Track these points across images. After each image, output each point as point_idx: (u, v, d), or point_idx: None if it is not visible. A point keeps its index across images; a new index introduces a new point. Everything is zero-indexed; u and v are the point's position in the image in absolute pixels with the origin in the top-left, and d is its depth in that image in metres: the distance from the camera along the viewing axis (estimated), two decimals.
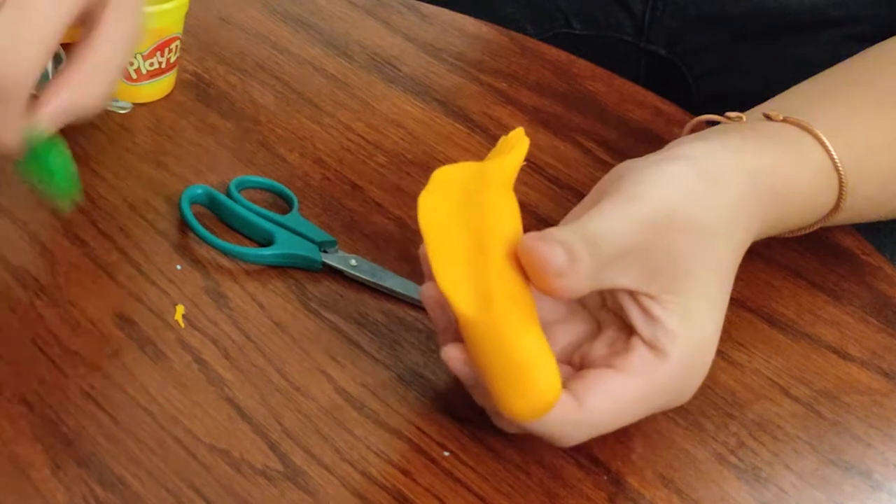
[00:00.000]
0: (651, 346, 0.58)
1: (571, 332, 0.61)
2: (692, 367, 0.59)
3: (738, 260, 0.62)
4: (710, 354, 0.60)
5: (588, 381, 0.58)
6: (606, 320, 0.61)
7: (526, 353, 0.56)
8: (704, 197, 0.60)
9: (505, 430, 0.61)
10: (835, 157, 0.66)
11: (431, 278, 0.58)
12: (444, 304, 0.58)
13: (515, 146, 0.62)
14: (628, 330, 0.59)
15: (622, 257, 0.57)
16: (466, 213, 0.59)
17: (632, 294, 0.58)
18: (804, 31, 0.91)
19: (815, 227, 0.69)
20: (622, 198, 0.59)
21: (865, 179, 0.68)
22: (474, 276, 0.57)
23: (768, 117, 0.68)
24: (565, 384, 0.57)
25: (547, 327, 0.62)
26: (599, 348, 0.60)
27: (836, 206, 0.68)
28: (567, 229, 0.57)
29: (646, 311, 0.58)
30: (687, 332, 0.58)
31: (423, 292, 0.60)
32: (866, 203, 0.70)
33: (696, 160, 0.61)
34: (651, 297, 0.58)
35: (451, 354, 0.58)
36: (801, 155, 0.66)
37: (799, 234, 0.70)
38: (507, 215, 0.59)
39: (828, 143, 0.66)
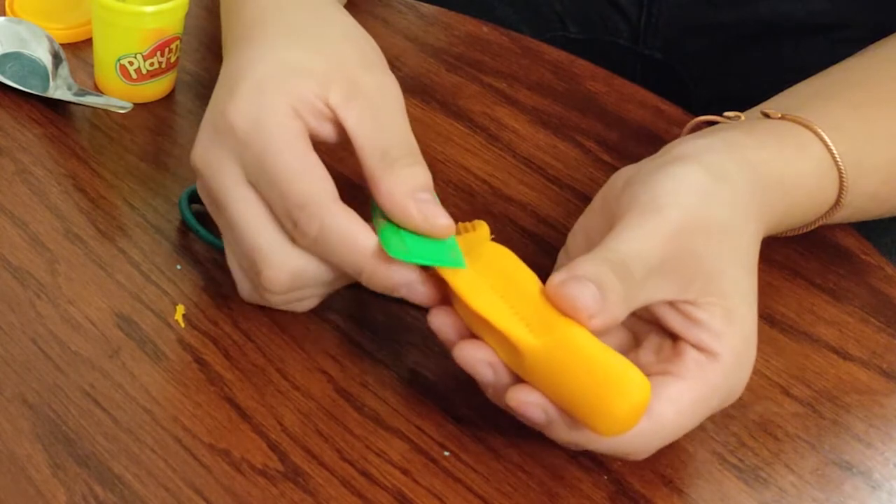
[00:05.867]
0: (699, 348, 0.58)
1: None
2: (741, 363, 0.59)
3: (758, 251, 0.62)
4: (754, 348, 0.60)
5: (651, 391, 0.57)
6: (642, 330, 0.61)
7: (610, 355, 0.55)
8: (718, 195, 0.60)
9: (571, 449, 0.60)
10: (834, 151, 0.66)
11: (460, 338, 0.58)
12: (486, 359, 0.57)
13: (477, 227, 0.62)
14: (670, 336, 0.59)
15: (656, 272, 0.57)
16: (477, 265, 0.59)
17: (671, 304, 0.58)
18: (799, 36, 0.92)
19: (817, 225, 0.69)
20: (641, 212, 0.59)
21: (867, 176, 0.68)
22: (520, 311, 0.57)
23: (766, 115, 0.68)
24: None
25: None
26: (646, 356, 0.60)
27: (837, 202, 0.68)
28: (594, 259, 0.57)
29: (688, 317, 0.58)
30: (732, 330, 0.58)
31: (460, 355, 0.58)
32: (869, 200, 0.70)
33: (701, 159, 0.61)
34: (691, 303, 0.58)
35: (525, 399, 0.56)
36: (800, 149, 0.66)
37: (800, 231, 0.70)
38: (515, 257, 0.59)
39: (826, 138, 0.66)
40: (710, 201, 0.60)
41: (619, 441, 0.57)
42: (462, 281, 0.58)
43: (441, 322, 0.59)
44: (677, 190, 0.60)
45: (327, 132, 0.63)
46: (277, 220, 0.61)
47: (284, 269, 0.61)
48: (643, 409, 0.55)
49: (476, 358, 0.58)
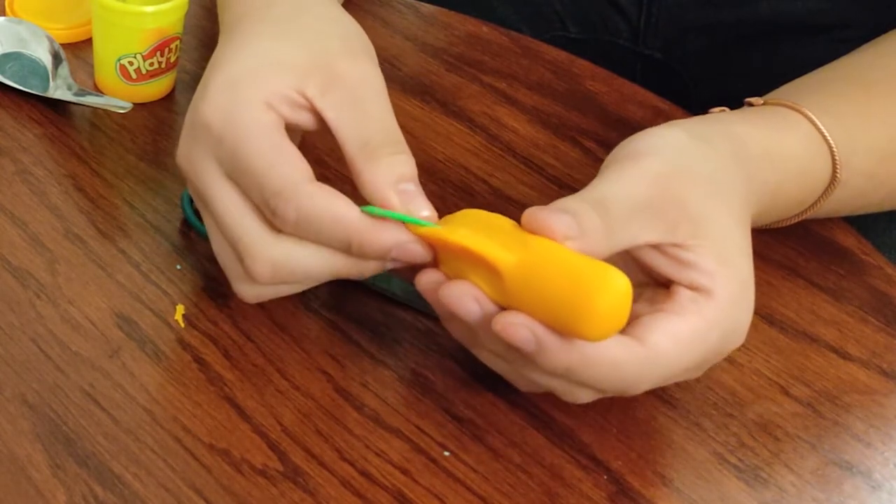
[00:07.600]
0: (693, 288, 0.58)
1: None
2: (737, 303, 0.59)
3: (750, 215, 0.62)
4: (751, 294, 0.60)
5: (644, 323, 0.57)
6: (637, 294, 0.61)
7: (586, 258, 0.55)
8: (698, 153, 0.61)
9: (582, 400, 0.60)
10: (820, 126, 0.67)
11: (443, 282, 0.58)
12: (471, 293, 0.57)
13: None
14: (664, 286, 0.59)
15: (638, 213, 0.58)
16: (466, 222, 0.59)
17: (658, 248, 0.59)
18: (798, 36, 0.92)
19: (817, 208, 0.69)
20: (622, 163, 0.60)
21: (862, 155, 0.69)
22: (500, 239, 0.57)
23: (749, 104, 0.69)
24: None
25: None
26: (642, 307, 0.59)
27: (833, 179, 0.68)
28: (572, 197, 0.58)
29: (678, 260, 0.58)
30: (725, 271, 0.58)
31: (446, 293, 0.58)
32: (866, 179, 0.70)
33: (682, 125, 0.63)
34: (679, 246, 0.58)
35: (511, 321, 0.56)
36: (787, 126, 0.67)
37: (802, 217, 0.70)
38: (489, 213, 0.60)
39: (811, 114, 0.67)
40: (689, 156, 0.61)
41: (615, 368, 0.56)
42: (439, 230, 0.58)
43: (427, 279, 0.59)
44: (658, 144, 0.61)
45: (306, 120, 0.62)
46: (259, 212, 0.61)
47: (267, 260, 0.61)
48: (626, 302, 0.55)
49: (461, 292, 0.57)
